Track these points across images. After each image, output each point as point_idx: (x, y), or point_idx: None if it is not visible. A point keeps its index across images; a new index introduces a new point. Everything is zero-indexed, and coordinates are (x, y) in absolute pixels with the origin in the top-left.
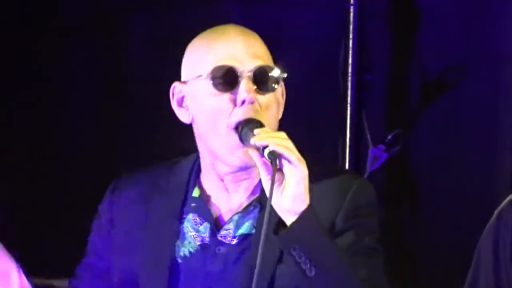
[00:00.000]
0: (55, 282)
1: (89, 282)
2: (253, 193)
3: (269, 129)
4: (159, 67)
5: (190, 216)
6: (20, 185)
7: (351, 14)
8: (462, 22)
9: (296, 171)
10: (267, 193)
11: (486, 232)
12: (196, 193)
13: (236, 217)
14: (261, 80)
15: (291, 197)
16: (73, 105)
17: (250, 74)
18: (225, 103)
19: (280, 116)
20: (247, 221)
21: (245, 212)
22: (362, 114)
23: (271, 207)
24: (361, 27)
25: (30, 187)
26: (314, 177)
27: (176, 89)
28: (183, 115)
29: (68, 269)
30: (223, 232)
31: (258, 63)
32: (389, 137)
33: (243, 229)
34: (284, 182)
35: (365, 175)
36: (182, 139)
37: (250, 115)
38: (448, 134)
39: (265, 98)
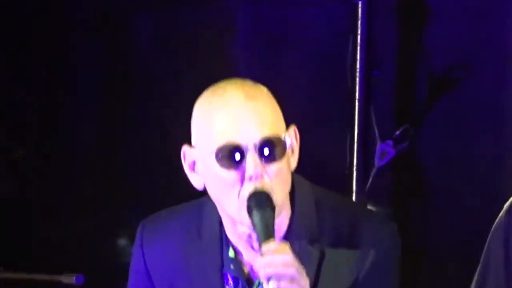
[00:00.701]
0: (63, 279)
1: None
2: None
3: (279, 199)
4: (163, 66)
5: (229, 277)
6: (26, 182)
7: (359, 10)
8: (469, 19)
9: None
10: None
11: (495, 227)
12: (231, 253)
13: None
14: (267, 152)
15: None
16: (77, 103)
17: (255, 148)
18: (233, 179)
19: (294, 165)
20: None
21: None
22: (371, 110)
23: None
24: (369, 23)
25: (36, 184)
26: (335, 226)
27: (186, 153)
28: (195, 181)
29: (75, 265)
30: None
31: (263, 134)
32: (397, 132)
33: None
34: None
35: (373, 171)
36: (185, 138)
37: (259, 188)
38: (455, 130)
39: (274, 167)
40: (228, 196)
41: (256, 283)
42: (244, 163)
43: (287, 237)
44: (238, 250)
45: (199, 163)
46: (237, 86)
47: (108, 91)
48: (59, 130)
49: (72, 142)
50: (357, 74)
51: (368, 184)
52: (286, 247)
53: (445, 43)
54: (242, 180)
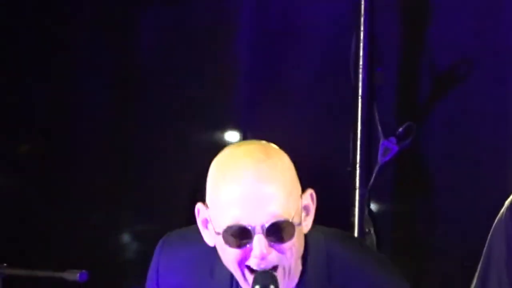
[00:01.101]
0: (66, 275)
1: None
2: None
3: (287, 270)
4: (169, 61)
5: None
6: (29, 178)
7: (362, 7)
8: (472, 15)
9: None
10: None
11: (496, 224)
12: None
13: None
14: (275, 234)
15: None
16: (81, 100)
17: (263, 230)
18: (238, 255)
19: (308, 227)
20: None
21: None
22: (374, 107)
23: None
24: (372, 20)
25: (39, 180)
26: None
27: (200, 210)
28: (207, 238)
29: (77, 262)
30: None
31: (271, 216)
32: (400, 129)
33: None
34: None
35: (376, 168)
36: (188, 133)
37: (265, 265)
38: (459, 127)
39: (282, 246)
40: (233, 268)
41: None
42: (251, 244)
43: None
44: None
45: (211, 224)
46: (252, 162)
47: (111, 87)
48: (62, 126)
49: (76, 139)
50: (360, 70)
51: (371, 181)
52: None
53: (448, 40)
54: (248, 257)
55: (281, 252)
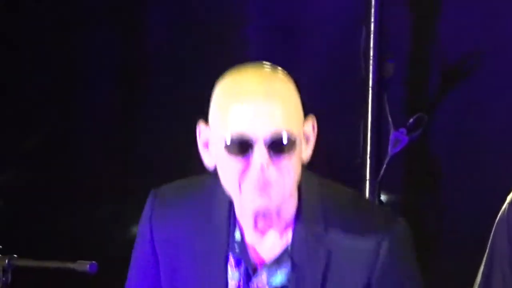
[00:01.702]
0: (76, 266)
1: None
2: (283, 235)
3: (284, 192)
4: (175, 56)
5: (231, 258)
6: (39, 170)
7: None
8: (482, 7)
9: None
10: None
11: (498, 220)
12: (238, 235)
13: (268, 267)
14: (276, 146)
15: None
16: (92, 91)
17: (264, 141)
18: (238, 167)
19: (307, 156)
20: (280, 273)
21: (277, 264)
22: (384, 98)
23: None
24: (382, 11)
25: (49, 172)
26: (342, 226)
27: (201, 130)
28: (207, 159)
29: (88, 253)
30: (256, 280)
31: (273, 128)
32: (411, 120)
33: (276, 281)
34: None
35: (386, 159)
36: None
37: (264, 179)
38: (469, 118)
39: (282, 162)
40: (231, 184)
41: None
42: (251, 154)
43: (294, 231)
44: (243, 232)
45: (211, 144)
46: (258, 78)
47: (117, 83)
48: (69, 120)
49: (83, 133)
50: (371, 62)
51: (381, 172)
52: None
53: (458, 31)
54: (248, 170)
55: (279, 169)
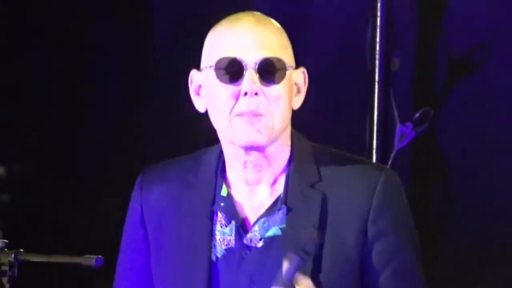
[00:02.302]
0: (83, 261)
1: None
2: (275, 187)
3: (273, 121)
4: (184, 50)
5: (220, 215)
6: (45, 164)
7: None
8: (490, 0)
9: None
10: None
11: None
12: (224, 191)
13: (262, 220)
14: (266, 71)
15: None
16: (95, 88)
17: (255, 65)
18: (229, 94)
19: (298, 105)
20: (273, 224)
21: (270, 214)
22: (390, 92)
23: None
24: (389, 5)
25: (55, 166)
26: (336, 175)
27: (193, 76)
28: (198, 104)
29: (94, 248)
30: (249, 235)
31: (265, 54)
32: (417, 115)
33: (270, 232)
34: None
35: (393, 153)
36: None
37: (254, 106)
38: (475, 112)
39: (272, 90)
40: (222, 115)
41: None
42: (242, 79)
43: (287, 179)
44: (232, 189)
45: (203, 87)
46: (250, 13)
47: (125, 75)
48: (77, 113)
49: (91, 126)
50: (377, 56)
51: (387, 166)
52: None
53: (465, 24)
54: (238, 97)
55: (270, 98)
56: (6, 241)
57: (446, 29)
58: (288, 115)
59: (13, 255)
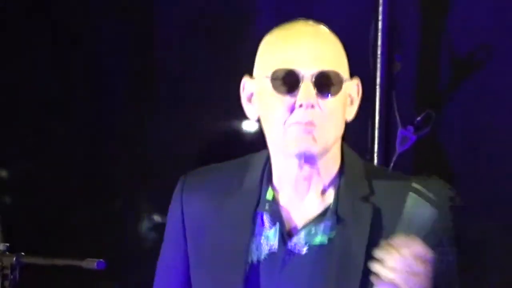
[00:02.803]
0: (84, 264)
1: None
2: (324, 197)
3: (326, 133)
4: (185, 49)
5: (264, 218)
6: (45, 166)
7: None
8: (493, 0)
9: None
10: None
11: None
12: (269, 195)
13: (309, 227)
14: (322, 84)
15: None
16: (100, 88)
17: (311, 78)
18: (284, 105)
19: (351, 117)
20: (320, 232)
21: (318, 223)
22: (392, 95)
23: None
24: (391, 7)
25: (56, 168)
26: (387, 189)
27: (246, 84)
28: (250, 112)
29: (95, 250)
30: (294, 240)
31: (322, 67)
32: (418, 118)
33: (316, 240)
34: None
35: (394, 157)
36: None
37: (309, 118)
38: (478, 115)
39: (327, 103)
40: (276, 124)
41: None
42: (298, 91)
43: (337, 190)
44: (279, 193)
45: (255, 94)
46: (306, 23)
47: (131, 76)
48: (79, 114)
49: (95, 126)
50: (379, 58)
51: (389, 169)
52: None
53: (468, 26)
54: (293, 108)
55: (324, 111)
56: (8, 244)
57: (449, 30)
58: (342, 128)
59: (14, 258)
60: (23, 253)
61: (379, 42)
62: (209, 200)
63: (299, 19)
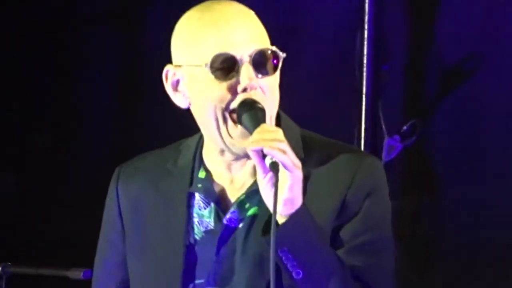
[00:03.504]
0: (70, 274)
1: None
2: (256, 172)
3: (270, 113)
4: None
5: (197, 197)
6: (32, 177)
7: (367, 4)
8: (480, 10)
9: (290, 176)
10: (261, 194)
11: None
12: (202, 174)
13: (241, 200)
14: (261, 64)
15: (283, 201)
16: (91, 99)
17: (250, 59)
18: (226, 91)
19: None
20: (251, 204)
21: (250, 194)
22: (378, 105)
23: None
24: (378, 15)
25: (45, 178)
26: (321, 155)
27: (169, 72)
28: (179, 100)
29: (81, 260)
30: (228, 216)
31: (257, 46)
32: (405, 127)
33: (250, 212)
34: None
35: None
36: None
37: (254, 99)
38: (465, 124)
39: (267, 82)
40: (216, 113)
41: (234, 205)
42: (238, 75)
43: None
44: (213, 175)
45: (184, 81)
46: (224, 3)
47: (123, 82)
48: (67, 125)
49: (81, 138)
50: (365, 68)
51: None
52: (277, 129)
53: (455, 35)
54: (234, 93)
55: (265, 89)
56: None
57: (436, 40)
58: (277, 102)
59: (1, 268)
60: (9, 263)
61: (365, 52)
62: (145, 186)
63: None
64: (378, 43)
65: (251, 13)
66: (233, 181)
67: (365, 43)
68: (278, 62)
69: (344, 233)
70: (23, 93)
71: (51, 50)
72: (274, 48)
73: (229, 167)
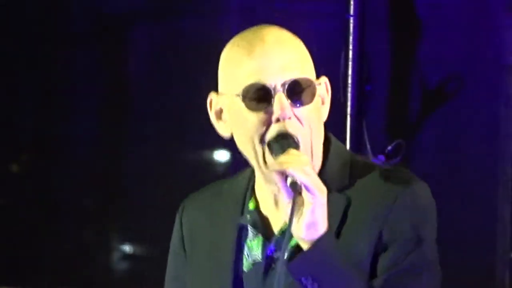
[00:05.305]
0: None
1: None
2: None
3: (308, 143)
4: (161, 75)
5: (249, 229)
6: (21, 196)
7: (351, 25)
8: (462, 31)
9: (313, 199)
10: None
11: None
12: (252, 205)
13: (283, 230)
14: (295, 93)
15: (306, 225)
16: (76, 111)
17: (283, 89)
18: (259, 121)
19: (325, 116)
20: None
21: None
22: (363, 125)
23: (291, 234)
24: (362, 37)
25: (32, 198)
26: (366, 182)
27: (213, 101)
28: (222, 129)
29: (67, 278)
30: (273, 247)
31: (291, 76)
32: (389, 148)
33: (292, 242)
34: (302, 208)
35: None
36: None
37: (287, 131)
38: (449, 144)
39: (302, 111)
40: (251, 143)
41: (277, 235)
42: (271, 105)
43: None
44: (260, 202)
45: (225, 110)
46: (266, 30)
47: (109, 98)
48: (57, 140)
49: (68, 157)
50: (349, 89)
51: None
52: (303, 154)
53: (438, 56)
54: (269, 123)
55: (300, 119)
56: None
57: (419, 61)
58: (321, 130)
59: None
60: None
61: (350, 72)
62: (201, 216)
63: (260, 25)
64: (362, 63)
65: (293, 39)
66: (278, 210)
67: (350, 64)
68: (314, 91)
69: (384, 260)
70: (2, 117)
71: (30, 72)
72: (308, 76)
73: (274, 196)
